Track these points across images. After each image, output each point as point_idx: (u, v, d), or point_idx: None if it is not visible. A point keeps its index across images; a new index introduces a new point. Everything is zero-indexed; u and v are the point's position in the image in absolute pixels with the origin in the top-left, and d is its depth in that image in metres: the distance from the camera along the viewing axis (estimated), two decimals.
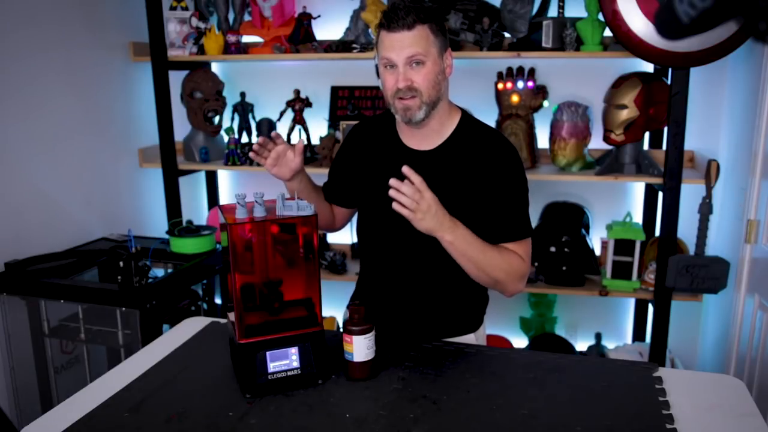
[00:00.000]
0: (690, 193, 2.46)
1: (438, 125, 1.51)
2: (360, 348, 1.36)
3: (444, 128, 1.52)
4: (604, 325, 2.93)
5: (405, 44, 1.40)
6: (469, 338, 1.64)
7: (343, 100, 2.94)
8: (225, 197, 3.30)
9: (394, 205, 1.36)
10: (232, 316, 1.38)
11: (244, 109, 2.96)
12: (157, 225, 3.01)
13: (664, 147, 2.42)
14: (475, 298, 1.64)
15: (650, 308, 2.72)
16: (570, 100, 2.61)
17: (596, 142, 2.60)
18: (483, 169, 1.48)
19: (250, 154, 1.53)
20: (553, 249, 2.66)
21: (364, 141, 1.65)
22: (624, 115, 2.43)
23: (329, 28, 2.82)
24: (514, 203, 1.50)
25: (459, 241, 1.41)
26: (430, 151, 1.53)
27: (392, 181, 1.35)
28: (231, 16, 2.86)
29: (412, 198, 1.34)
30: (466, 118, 1.55)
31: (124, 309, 2.12)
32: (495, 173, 1.48)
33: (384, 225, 1.57)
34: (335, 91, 2.97)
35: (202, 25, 2.75)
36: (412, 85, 1.42)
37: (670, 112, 2.28)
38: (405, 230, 1.53)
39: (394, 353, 1.49)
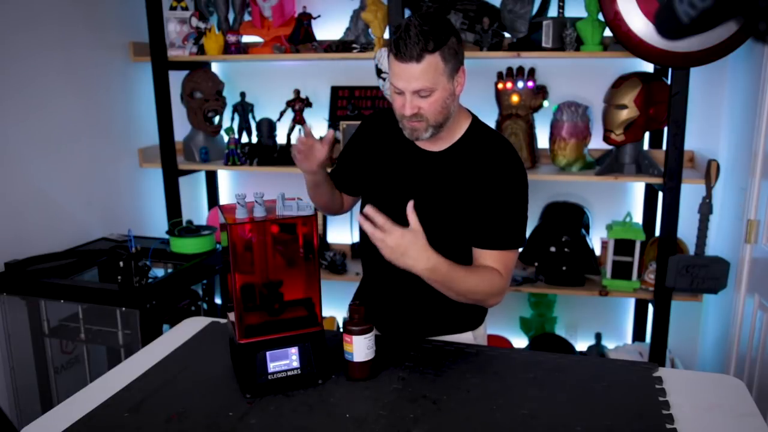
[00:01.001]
0: (690, 193, 2.46)
1: (447, 131, 1.52)
2: (360, 348, 1.36)
3: (454, 132, 1.53)
4: (604, 325, 2.93)
5: (413, 77, 1.37)
6: (467, 336, 1.64)
7: (343, 100, 2.94)
8: (225, 197, 3.29)
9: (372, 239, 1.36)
10: (232, 316, 1.38)
11: (244, 109, 2.95)
12: (157, 225, 3.01)
13: (664, 147, 2.42)
14: None
15: (650, 308, 2.72)
16: (570, 100, 2.61)
17: (596, 142, 2.60)
18: (486, 174, 1.49)
19: (298, 156, 1.52)
20: (553, 249, 2.66)
21: (378, 134, 1.64)
22: (624, 115, 2.43)
23: (329, 28, 2.82)
24: (508, 211, 1.50)
25: (437, 277, 1.39)
26: (439, 153, 1.54)
27: (359, 217, 1.36)
28: (231, 16, 2.86)
29: (377, 233, 1.34)
30: (476, 123, 1.56)
31: (124, 309, 2.12)
32: (496, 180, 1.49)
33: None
34: (335, 91, 2.97)
35: (202, 25, 2.75)
36: (419, 112, 1.42)
37: (670, 112, 2.28)
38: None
39: (394, 353, 1.49)
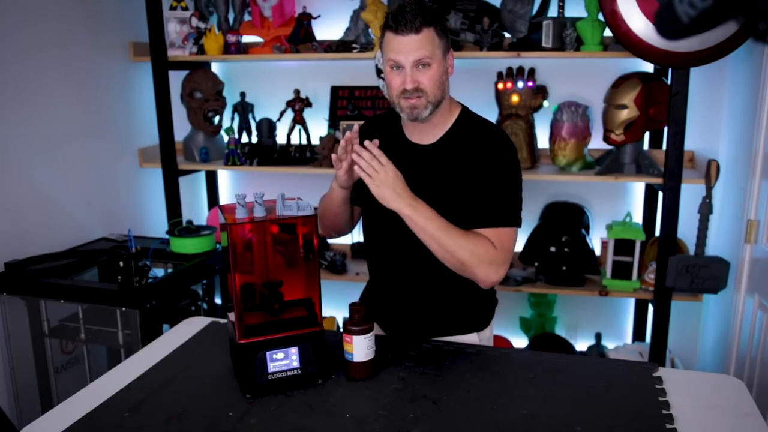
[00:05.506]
0: (690, 193, 2.46)
1: (439, 120, 1.55)
2: (360, 348, 1.36)
3: (445, 123, 1.56)
4: (604, 325, 2.93)
5: (413, 47, 1.44)
6: (472, 338, 1.64)
7: (343, 100, 2.94)
8: (225, 197, 3.29)
9: (356, 168, 1.44)
10: (232, 316, 1.38)
11: (244, 109, 2.96)
12: (157, 225, 3.01)
13: (664, 147, 2.42)
14: (484, 296, 1.64)
15: (650, 308, 2.72)
16: (570, 100, 2.61)
17: (596, 142, 2.60)
18: (476, 159, 1.51)
19: (333, 156, 1.54)
20: (553, 249, 2.66)
21: (371, 138, 1.66)
22: (624, 115, 2.43)
23: (329, 28, 2.82)
24: (498, 189, 1.51)
25: (417, 216, 1.44)
26: (430, 145, 1.57)
27: (355, 147, 1.45)
28: (231, 16, 2.86)
29: (370, 164, 1.42)
30: (465, 112, 1.60)
31: (124, 309, 2.12)
32: (486, 162, 1.50)
33: (390, 221, 1.58)
34: (335, 91, 2.97)
35: (202, 25, 2.75)
36: (419, 86, 1.46)
37: (670, 112, 2.28)
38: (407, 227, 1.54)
39: (394, 353, 1.49)
